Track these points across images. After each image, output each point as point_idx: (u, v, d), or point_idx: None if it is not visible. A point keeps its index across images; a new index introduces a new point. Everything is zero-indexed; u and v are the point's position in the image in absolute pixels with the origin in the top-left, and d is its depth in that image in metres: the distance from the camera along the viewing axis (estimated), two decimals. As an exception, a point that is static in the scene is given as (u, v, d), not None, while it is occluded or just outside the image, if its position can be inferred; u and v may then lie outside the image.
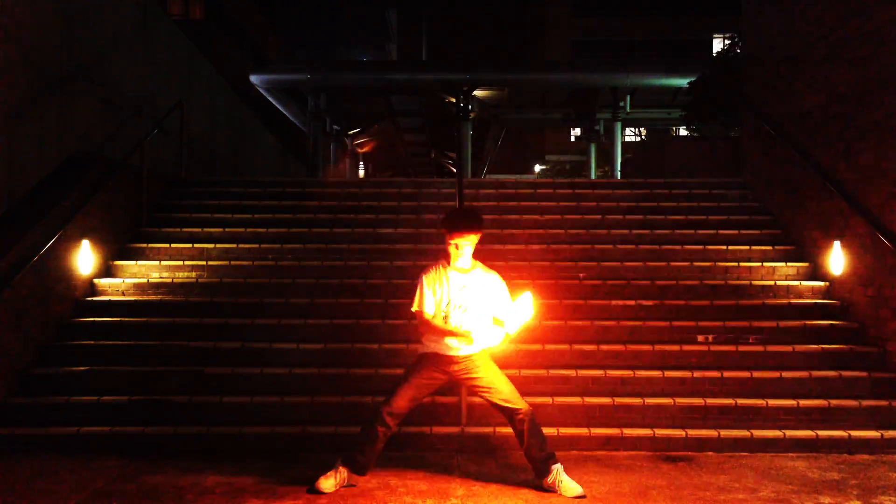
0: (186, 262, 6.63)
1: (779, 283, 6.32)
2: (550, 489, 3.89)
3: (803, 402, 4.96)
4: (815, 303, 6.09)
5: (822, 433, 4.71)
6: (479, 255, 4.19)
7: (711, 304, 6.02)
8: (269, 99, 17.95)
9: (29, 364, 5.25)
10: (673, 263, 6.56)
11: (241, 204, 7.72)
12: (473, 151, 21.48)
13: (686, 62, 16.52)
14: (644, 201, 7.81)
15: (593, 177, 18.07)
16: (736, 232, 7.09)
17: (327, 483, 3.86)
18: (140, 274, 6.52)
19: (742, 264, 6.55)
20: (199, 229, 7.14)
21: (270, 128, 16.45)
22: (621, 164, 17.15)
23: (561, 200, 7.76)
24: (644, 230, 7.17)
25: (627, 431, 4.73)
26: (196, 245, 6.86)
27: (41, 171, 5.62)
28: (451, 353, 3.93)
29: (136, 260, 6.67)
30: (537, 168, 32.62)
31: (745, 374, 5.22)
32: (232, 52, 20.30)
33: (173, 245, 6.85)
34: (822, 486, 4.05)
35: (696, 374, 5.23)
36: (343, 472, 3.91)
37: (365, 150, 25.42)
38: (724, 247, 6.80)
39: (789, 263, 6.56)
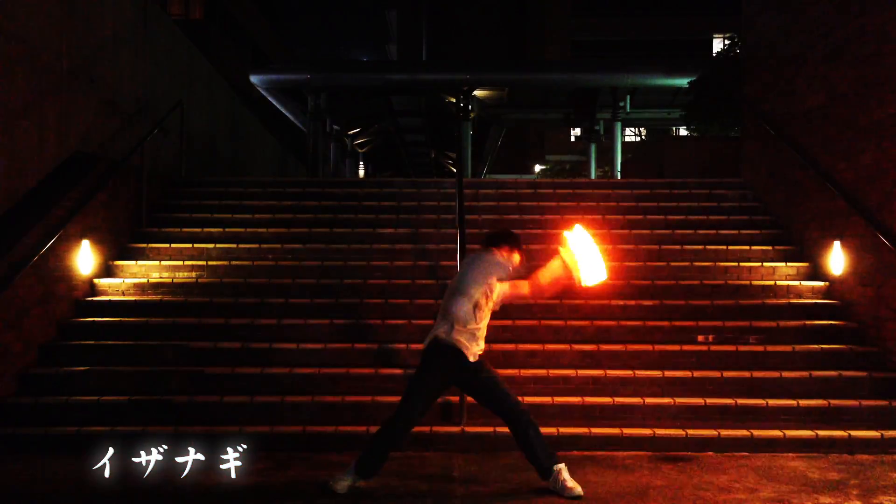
0: (186, 262, 6.63)
1: (779, 283, 6.32)
2: (551, 489, 3.89)
3: (803, 402, 4.96)
4: (815, 303, 6.09)
5: (822, 433, 4.71)
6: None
7: (711, 304, 6.03)
8: (269, 99, 17.92)
9: (29, 364, 5.25)
10: (673, 263, 6.56)
11: (241, 204, 7.73)
12: (473, 151, 21.47)
13: (686, 62, 16.46)
14: (644, 201, 7.81)
15: (593, 177, 18.04)
16: (736, 232, 7.09)
17: (341, 485, 3.86)
18: (140, 274, 6.52)
19: (742, 264, 6.55)
20: (199, 229, 7.15)
21: (270, 128, 16.43)
22: (621, 164, 17.13)
23: (561, 200, 7.76)
24: (644, 230, 7.17)
25: (627, 431, 4.73)
26: (196, 245, 6.87)
27: (41, 171, 5.61)
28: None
29: (137, 260, 6.68)
30: (537, 168, 32.55)
31: (745, 374, 5.23)
32: (232, 52, 20.29)
33: (173, 245, 6.86)
34: (822, 486, 4.05)
35: (696, 374, 5.24)
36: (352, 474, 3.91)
37: (365, 150, 25.43)
38: (724, 247, 6.80)
39: (789, 263, 6.56)
